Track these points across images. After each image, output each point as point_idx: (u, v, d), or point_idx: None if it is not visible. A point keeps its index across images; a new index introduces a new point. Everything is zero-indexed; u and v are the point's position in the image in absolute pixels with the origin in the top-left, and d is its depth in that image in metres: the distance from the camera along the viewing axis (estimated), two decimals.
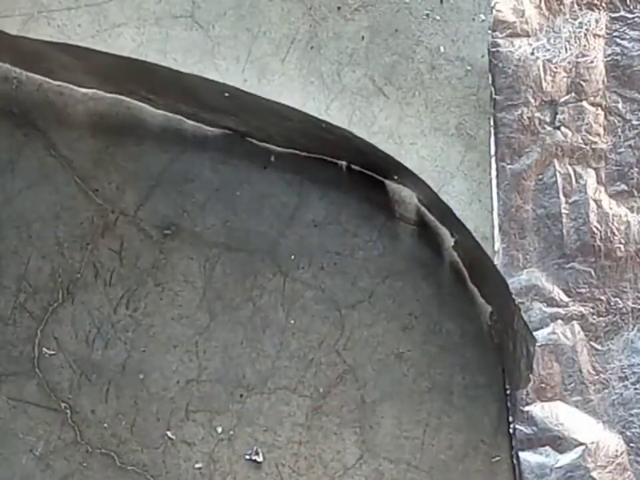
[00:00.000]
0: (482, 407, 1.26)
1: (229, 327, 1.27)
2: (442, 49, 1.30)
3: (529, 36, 1.25)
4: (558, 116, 1.25)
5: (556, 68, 1.25)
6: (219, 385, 1.26)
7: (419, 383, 1.26)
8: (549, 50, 1.25)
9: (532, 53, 1.25)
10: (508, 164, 1.25)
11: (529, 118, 1.25)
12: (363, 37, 1.30)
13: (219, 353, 1.26)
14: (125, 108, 1.29)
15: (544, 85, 1.25)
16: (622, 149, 1.25)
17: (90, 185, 1.26)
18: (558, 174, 1.25)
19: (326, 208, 1.28)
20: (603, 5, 1.26)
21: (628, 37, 1.26)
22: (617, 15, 1.26)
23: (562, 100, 1.25)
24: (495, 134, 1.25)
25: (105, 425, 1.24)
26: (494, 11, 1.25)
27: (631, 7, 1.26)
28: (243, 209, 1.28)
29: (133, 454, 1.24)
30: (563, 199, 1.25)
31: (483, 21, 1.31)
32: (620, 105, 1.26)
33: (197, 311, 1.27)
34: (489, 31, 1.24)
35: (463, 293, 1.27)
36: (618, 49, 1.26)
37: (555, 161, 1.25)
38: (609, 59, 1.25)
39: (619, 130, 1.26)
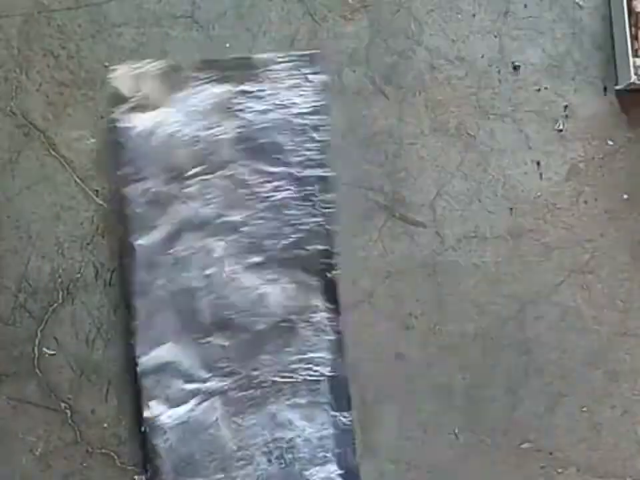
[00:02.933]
0: (482, 407, 1.26)
1: None
2: (442, 49, 1.30)
3: (151, 110, 1.23)
4: (186, 190, 1.23)
5: (182, 141, 1.23)
6: None
7: (419, 383, 1.26)
8: (174, 123, 1.24)
9: (155, 127, 1.22)
10: (137, 240, 1.22)
11: (155, 192, 1.22)
12: (363, 37, 1.30)
13: None
14: None
15: (169, 158, 1.23)
16: (253, 221, 1.24)
17: (90, 185, 1.26)
18: (191, 248, 1.22)
19: None
20: (227, 78, 1.25)
21: (252, 110, 1.25)
22: (239, 88, 1.24)
23: (190, 173, 1.23)
24: (124, 210, 1.22)
25: (105, 425, 1.23)
26: (109, 86, 1.23)
27: (253, 81, 1.25)
28: None
29: (133, 454, 1.24)
30: (197, 272, 1.23)
31: (484, 21, 1.31)
32: (248, 177, 1.24)
33: None
34: (109, 108, 1.22)
35: (463, 293, 1.27)
36: (243, 122, 1.25)
37: (187, 234, 1.23)
38: (234, 132, 1.24)
39: (249, 202, 1.24)
